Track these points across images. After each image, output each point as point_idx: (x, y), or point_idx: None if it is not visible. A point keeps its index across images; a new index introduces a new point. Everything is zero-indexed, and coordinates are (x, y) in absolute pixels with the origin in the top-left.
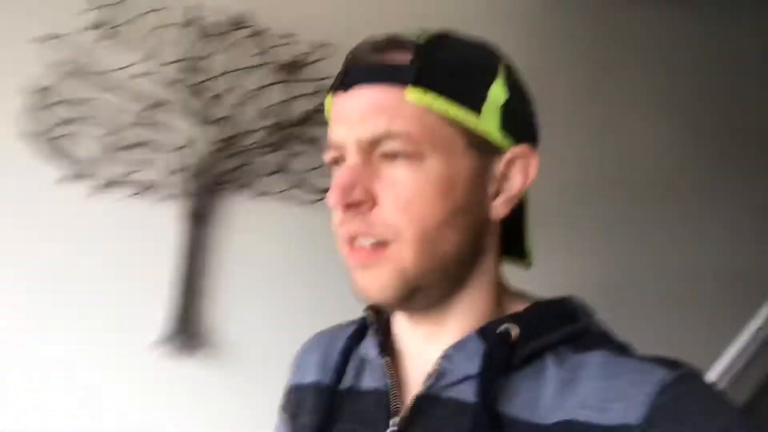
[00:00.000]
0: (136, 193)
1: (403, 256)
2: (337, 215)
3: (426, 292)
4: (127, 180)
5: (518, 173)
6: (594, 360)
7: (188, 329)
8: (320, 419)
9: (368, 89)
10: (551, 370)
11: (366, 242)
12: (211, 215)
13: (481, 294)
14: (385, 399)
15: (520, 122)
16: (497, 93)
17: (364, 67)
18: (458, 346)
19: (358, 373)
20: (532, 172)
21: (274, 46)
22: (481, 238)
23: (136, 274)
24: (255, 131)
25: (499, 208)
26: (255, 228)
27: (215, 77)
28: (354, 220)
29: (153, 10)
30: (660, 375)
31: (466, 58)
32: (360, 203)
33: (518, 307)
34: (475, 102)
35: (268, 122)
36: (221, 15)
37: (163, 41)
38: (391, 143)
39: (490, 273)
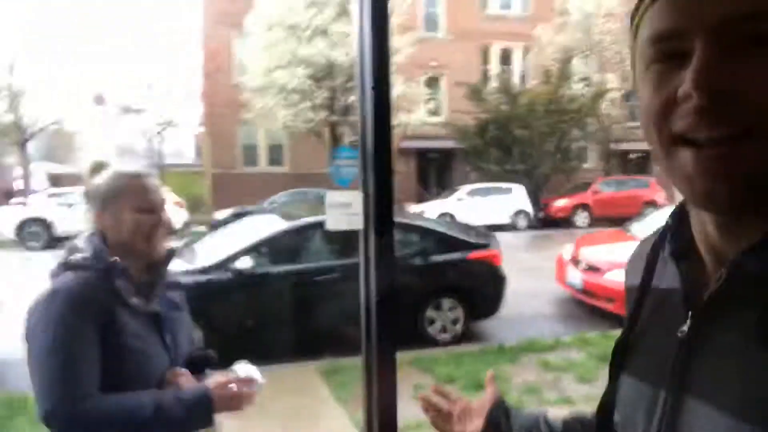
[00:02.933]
0: None
1: None
2: (681, 110)
3: None
4: None
5: None
6: None
7: None
8: (630, 316)
9: None
10: None
11: (723, 133)
12: None
13: None
14: (682, 296)
15: None
16: None
17: None
18: (747, 252)
19: (664, 273)
20: None
21: None
22: None
23: None
24: None
25: None
26: None
27: None
28: (716, 111)
29: None
30: None
31: None
32: (728, 89)
33: None
34: None
35: None
36: None
37: None
38: (758, 24)
39: None
